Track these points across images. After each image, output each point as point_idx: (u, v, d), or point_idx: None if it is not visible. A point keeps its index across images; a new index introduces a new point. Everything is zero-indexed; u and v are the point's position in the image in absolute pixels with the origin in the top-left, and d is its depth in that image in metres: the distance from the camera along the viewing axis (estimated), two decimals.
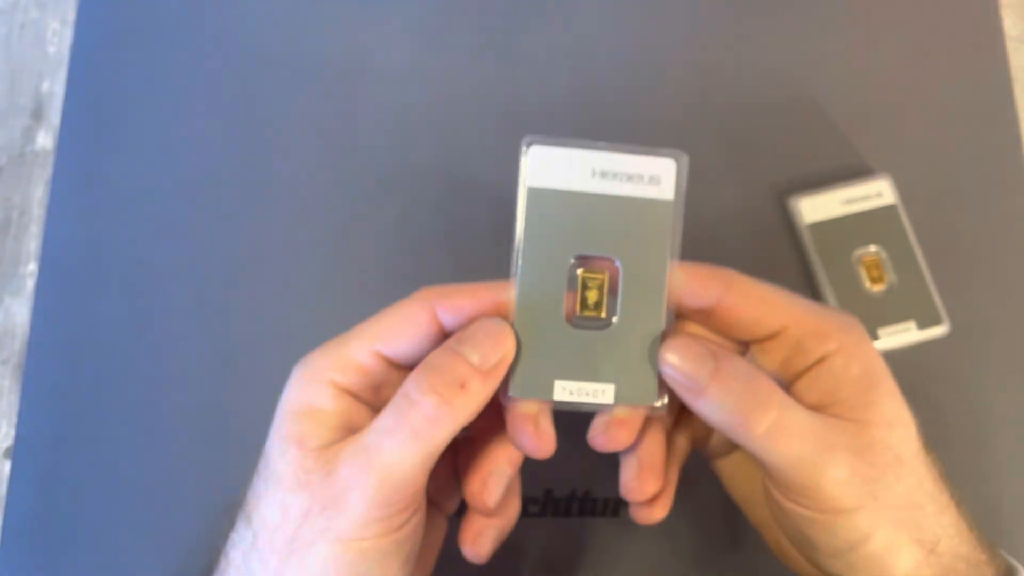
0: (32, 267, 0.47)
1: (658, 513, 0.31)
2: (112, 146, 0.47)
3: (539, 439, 0.28)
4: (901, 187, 0.45)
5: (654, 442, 0.30)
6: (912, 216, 0.44)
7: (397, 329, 0.27)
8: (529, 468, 0.42)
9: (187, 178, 0.47)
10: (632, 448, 0.30)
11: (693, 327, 0.30)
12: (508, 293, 0.28)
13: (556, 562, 0.41)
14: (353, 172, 0.47)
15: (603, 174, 0.28)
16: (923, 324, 0.43)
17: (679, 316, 0.30)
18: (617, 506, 0.42)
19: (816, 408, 0.27)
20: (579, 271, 0.28)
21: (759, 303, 0.28)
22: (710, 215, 0.46)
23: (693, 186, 0.46)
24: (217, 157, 0.47)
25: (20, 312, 0.46)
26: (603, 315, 0.28)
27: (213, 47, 0.49)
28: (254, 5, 0.50)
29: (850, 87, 0.48)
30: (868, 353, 0.28)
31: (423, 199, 0.46)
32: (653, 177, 0.29)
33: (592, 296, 0.28)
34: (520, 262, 0.28)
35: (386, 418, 0.26)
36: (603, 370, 0.28)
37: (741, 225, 0.46)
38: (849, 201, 0.44)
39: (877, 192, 0.44)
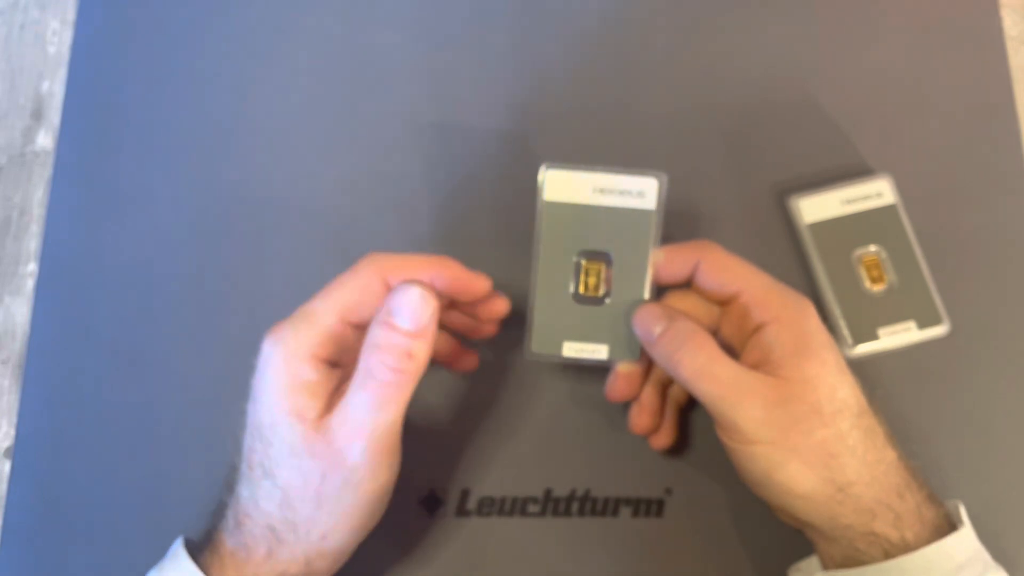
0: (32, 267, 0.47)
1: (663, 441, 0.40)
2: (112, 146, 0.47)
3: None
4: (901, 187, 0.45)
5: (651, 392, 0.39)
6: (912, 216, 0.44)
7: (361, 299, 0.33)
8: (529, 468, 0.42)
9: (187, 178, 0.47)
10: (636, 397, 0.39)
11: (678, 301, 0.37)
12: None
13: (556, 562, 0.41)
14: (352, 172, 0.47)
15: (602, 190, 0.36)
16: (923, 324, 0.43)
17: (670, 290, 0.38)
18: (617, 506, 0.42)
19: (754, 365, 0.34)
20: (583, 262, 0.36)
21: (722, 269, 0.36)
22: (710, 215, 0.46)
23: (693, 186, 0.46)
24: (217, 157, 0.47)
25: (20, 312, 0.46)
26: (600, 294, 0.37)
27: (213, 47, 0.49)
28: (254, 5, 0.50)
29: (850, 87, 0.48)
30: (805, 326, 0.34)
31: (423, 198, 0.46)
32: (640, 192, 0.36)
33: (592, 281, 0.37)
34: (540, 256, 0.36)
35: (358, 393, 0.31)
36: (599, 334, 0.37)
37: (741, 225, 0.46)
38: (849, 201, 0.44)
39: (877, 192, 0.44)
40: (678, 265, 0.36)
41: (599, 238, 0.36)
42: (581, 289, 0.37)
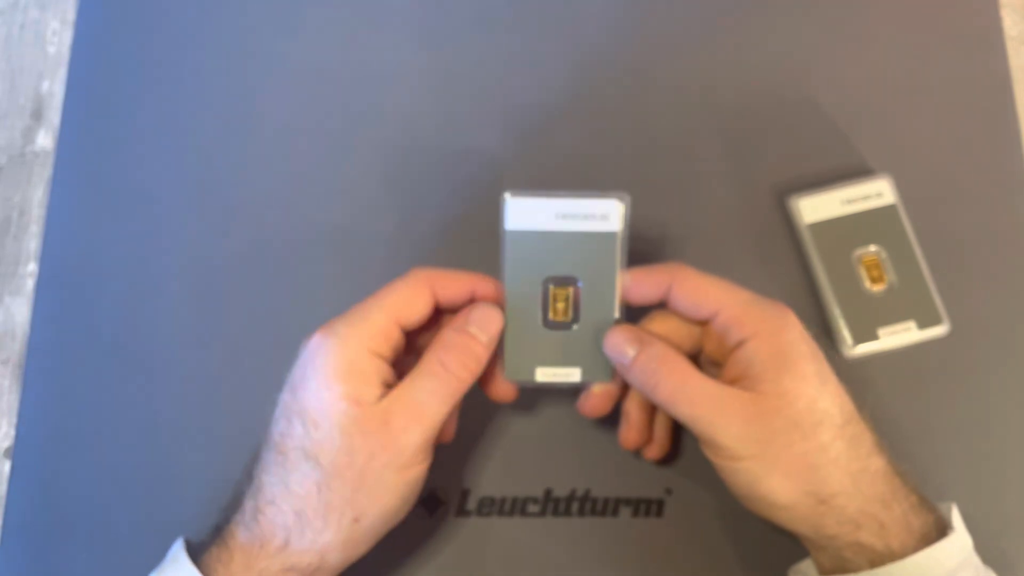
0: (32, 267, 0.47)
1: (655, 452, 0.40)
2: (112, 146, 0.47)
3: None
4: (901, 187, 0.45)
5: (637, 408, 0.39)
6: (912, 216, 0.44)
7: (411, 305, 0.36)
8: (529, 468, 0.42)
9: (187, 178, 0.47)
10: (624, 412, 0.39)
11: (658, 324, 0.37)
12: (500, 306, 0.36)
13: (556, 562, 0.41)
14: (352, 172, 0.47)
15: (564, 216, 0.36)
16: (923, 324, 0.43)
17: (652, 311, 0.38)
18: (617, 506, 0.42)
19: (734, 381, 0.35)
20: (550, 287, 0.37)
21: (695, 292, 0.36)
22: (710, 215, 0.46)
23: (693, 187, 0.46)
24: (217, 157, 0.47)
25: (20, 312, 0.46)
26: (569, 319, 0.37)
27: (213, 47, 0.49)
28: (254, 5, 0.50)
29: (850, 87, 0.48)
30: (783, 339, 0.34)
31: (422, 198, 0.46)
32: (603, 215, 0.36)
33: (560, 305, 0.37)
34: (507, 284, 0.36)
35: (427, 382, 0.34)
36: (571, 358, 0.37)
37: (741, 225, 0.46)
38: (849, 201, 0.44)
39: (877, 192, 0.44)
40: (648, 288, 0.36)
41: (565, 263, 0.36)
42: (551, 315, 0.37)
